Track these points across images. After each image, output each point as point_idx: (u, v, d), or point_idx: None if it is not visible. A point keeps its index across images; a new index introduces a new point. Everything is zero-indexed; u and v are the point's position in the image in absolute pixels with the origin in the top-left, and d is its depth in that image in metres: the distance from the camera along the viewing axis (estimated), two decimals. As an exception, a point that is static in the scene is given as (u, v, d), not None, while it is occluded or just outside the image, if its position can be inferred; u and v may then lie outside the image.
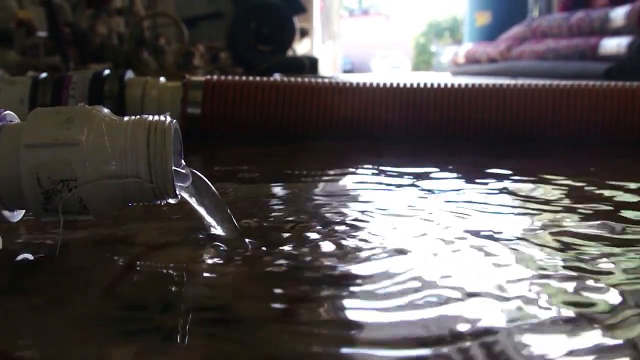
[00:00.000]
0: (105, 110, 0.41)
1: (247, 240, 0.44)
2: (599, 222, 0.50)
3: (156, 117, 0.40)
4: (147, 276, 0.40)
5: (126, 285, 0.38)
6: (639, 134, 0.98)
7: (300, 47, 4.72)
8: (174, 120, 0.41)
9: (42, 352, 0.29)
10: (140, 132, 0.39)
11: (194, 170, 0.43)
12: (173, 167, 0.40)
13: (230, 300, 0.35)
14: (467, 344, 0.29)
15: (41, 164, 0.38)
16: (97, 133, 0.39)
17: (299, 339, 0.30)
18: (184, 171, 0.42)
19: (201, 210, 0.43)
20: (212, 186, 0.43)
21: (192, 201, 0.43)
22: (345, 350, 0.29)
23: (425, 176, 0.73)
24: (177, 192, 0.41)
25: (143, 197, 0.40)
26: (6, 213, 0.42)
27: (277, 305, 0.34)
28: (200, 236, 0.45)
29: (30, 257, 0.43)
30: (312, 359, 0.29)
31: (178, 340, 0.30)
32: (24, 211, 0.44)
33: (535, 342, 0.29)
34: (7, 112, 0.42)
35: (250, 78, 1.05)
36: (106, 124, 0.40)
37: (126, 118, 0.41)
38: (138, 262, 0.42)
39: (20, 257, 0.42)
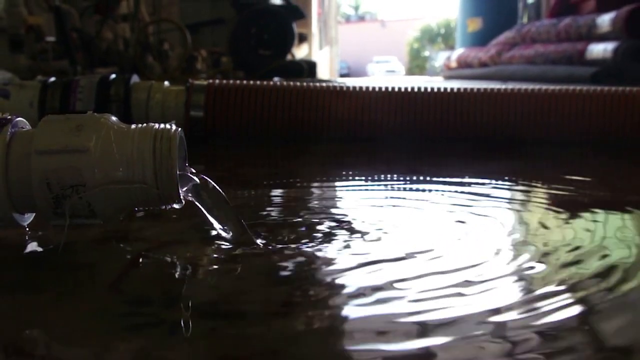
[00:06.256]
0: (114, 118, 0.41)
1: (250, 238, 0.44)
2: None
3: (162, 126, 0.40)
4: (151, 272, 0.40)
5: (131, 281, 0.38)
6: (624, 137, 0.98)
7: (299, 52, 4.72)
8: (179, 129, 0.41)
9: (49, 346, 0.30)
10: (147, 140, 0.39)
11: (202, 175, 0.43)
12: (178, 172, 0.40)
13: (233, 295, 0.36)
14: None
15: (51, 170, 0.38)
16: (105, 140, 0.39)
17: (298, 333, 0.30)
18: (189, 175, 0.42)
19: (208, 212, 0.43)
20: (218, 188, 0.43)
21: (199, 203, 0.43)
22: (343, 345, 0.29)
23: (419, 177, 0.73)
24: (182, 197, 0.41)
25: (149, 202, 0.41)
26: (17, 216, 0.42)
27: (278, 301, 0.34)
28: (205, 235, 0.45)
29: (39, 251, 0.43)
30: (311, 353, 0.29)
31: (182, 334, 0.30)
32: (34, 214, 0.44)
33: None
34: (19, 118, 0.42)
35: (251, 82, 1.05)
36: (114, 132, 0.40)
37: (133, 126, 0.41)
38: (143, 258, 0.42)
39: (28, 252, 0.43)
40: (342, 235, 0.46)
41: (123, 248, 0.44)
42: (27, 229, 0.45)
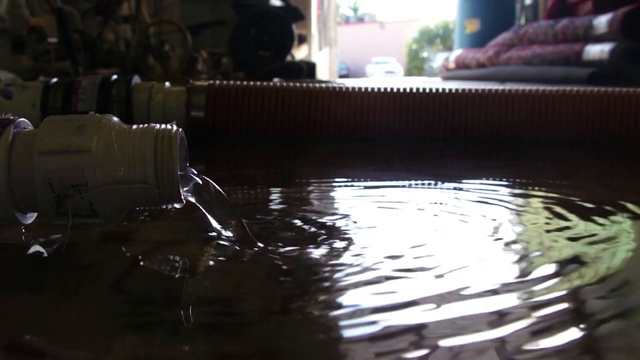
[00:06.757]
0: (115, 119, 0.41)
1: (251, 239, 0.44)
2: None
3: (163, 126, 0.40)
4: (153, 272, 0.40)
5: (132, 281, 0.38)
6: (621, 137, 0.98)
7: (299, 53, 4.72)
8: (180, 129, 0.41)
9: (51, 345, 0.29)
10: (148, 140, 0.39)
11: (202, 175, 0.43)
12: (179, 172, 0.40)
13: (233, 295, 0.36)
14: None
15: (53, 170, 0.38)
16: (107, 141, 0.39)
17: (297, 333, 0.30)
18: (189, 176, 0.42)
19: (208, 212, 0.43)
20: (219, 188, 0.43)
21: (200, 203, 0.43)
22: (343, 345, 0.29)
23: (418, 177, 0.73)
24: (183, 197, 0.41)
25: (150, 201, 0.41)
26: (19, 215, 0.42)
27: (278, 301, 0.34)
28: (205, 235, 0.45)
29: (42, 252, 0.43)
30: (311, 353, 0.29)
31: (182, 333, 0.30)
32: (36, 213, 0.44)
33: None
34: (22, 119, 0.42)
35: (251, 83, 1.05)
36: (116, 132, 0.40)
37: (134, 126, 0.41)
38: (144, 258, 0.42)
39: (31, 253, 0.42)
40: (342, 235, 0.46)
41: (124, 248, 0.44)
42: (23, 229, 0.45)
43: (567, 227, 0.49)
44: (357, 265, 0.40)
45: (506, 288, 0.35)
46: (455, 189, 0.68)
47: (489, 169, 0.81)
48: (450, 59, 6.38)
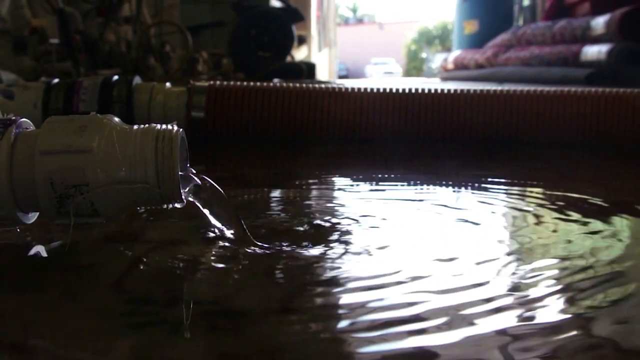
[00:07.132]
0: (116, 119, 0.41)
1: (250, 239, 0.44)
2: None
3: (164, 126, 0.40)
4: (153, 271, 0.40)
5: (133, 280, 0.38)
6: (619, 137, 0.98)
7: (299, 54, 4.72)
8: (181, 129, 0.41)
9: (53, 345, 0.29)
10: (149, 141, 0.39)
11: (203, 176, 0.43)
12: (179, 173, 0.40)
13: (233, 295, 0.35)
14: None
15: (55, 170, 0.38)
16: (108, 141, 0.39)
17: (296, 332, 0.30)
18: (190, 176, 0.42)
19: (209, 212, 0.43)
20: (219, 188, 0.43)
21: (200, 204, 0.43)
22: (343, 344, 0.29)
23: (417, 177, 0.73)
24: (184, 197, 0.41)
25: (151, 201, 0.40)
26: (21, 215, 0.42)
27: (278, 301, 0.34)
28: (205, 235, 0.45)
29: (43, 253, 0.43)
30: (311, 353, 0.29)
31: (183, 332, 0.30)
32: (37, 213, 0.44)
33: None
34: (23, 119, 0.42)
35: (251, 83, 1.05)
36: (117, 132, 0.40)
37: (135, 127, 0.41)
38: (145, 258, 0.41)
39: (32, 253, 0.42)
40: (341, 235, 0.46)
41: (125, 248, 0.44)
42: (19, 229, 0.45)
43: (569, 227, 0.49)
44: (357, 264, 0.40)
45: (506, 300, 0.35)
46: (454, 188, 0.68)
47: (487, 170, 0.81)
48: (449, 60, 6.39)
